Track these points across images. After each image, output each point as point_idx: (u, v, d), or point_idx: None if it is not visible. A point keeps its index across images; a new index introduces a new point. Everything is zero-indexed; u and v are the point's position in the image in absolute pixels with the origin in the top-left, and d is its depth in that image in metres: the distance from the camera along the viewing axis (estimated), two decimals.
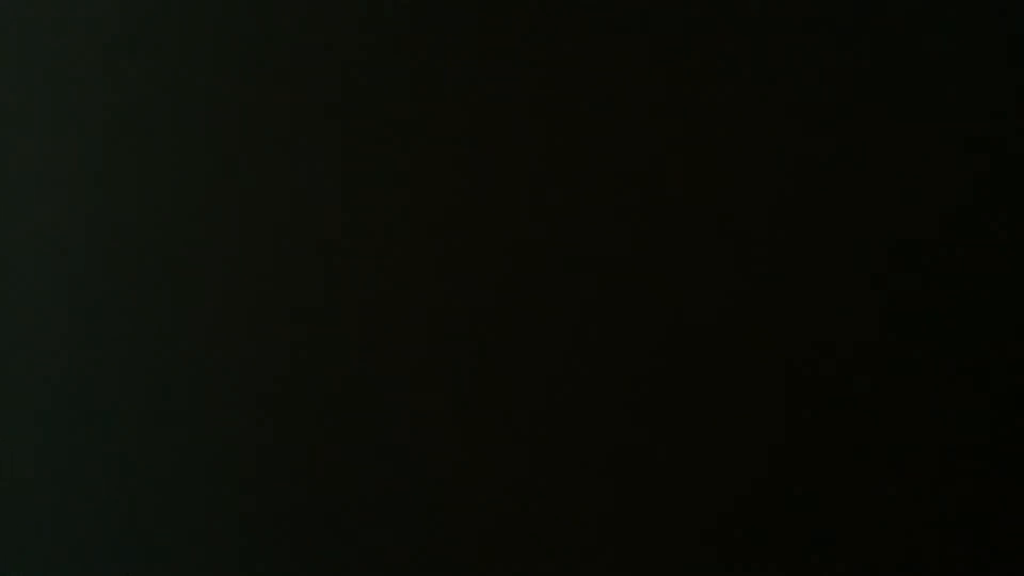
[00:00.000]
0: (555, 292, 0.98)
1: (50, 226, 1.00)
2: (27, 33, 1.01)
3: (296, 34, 0.99)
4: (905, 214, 0.96)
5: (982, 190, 0.96)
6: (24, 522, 0.99)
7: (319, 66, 0.99)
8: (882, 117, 0.96)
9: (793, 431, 0.96)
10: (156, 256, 0.99)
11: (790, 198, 0.97)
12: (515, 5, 0.98)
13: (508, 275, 0.98)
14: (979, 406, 0.95)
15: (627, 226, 0.97)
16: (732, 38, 0.97)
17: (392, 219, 0.98)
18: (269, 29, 1.00)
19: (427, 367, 0.98)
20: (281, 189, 0.99)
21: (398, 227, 0.98)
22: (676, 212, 0.97)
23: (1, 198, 1.00)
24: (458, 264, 0.98)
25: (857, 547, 0.95)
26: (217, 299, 0.99)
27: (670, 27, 0.98)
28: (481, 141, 0.98)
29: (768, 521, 0.96)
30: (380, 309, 0.98)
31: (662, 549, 0.96)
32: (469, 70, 0.98)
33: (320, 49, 0.99)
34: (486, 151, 0.98)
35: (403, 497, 0.98)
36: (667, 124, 0.97)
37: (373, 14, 0.99)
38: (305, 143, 0.99)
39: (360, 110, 0.99)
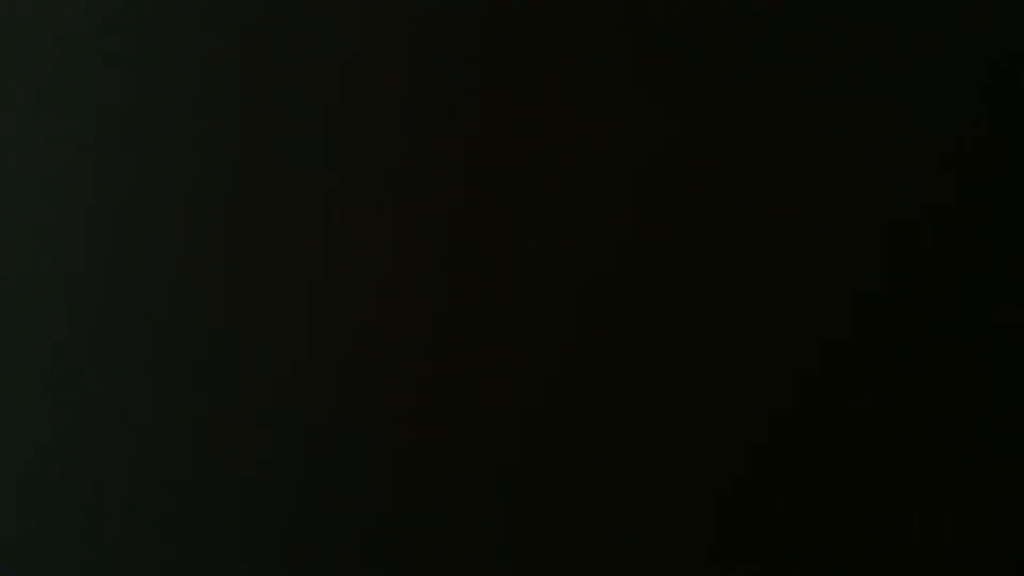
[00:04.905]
0: (553, 292, 0.98)
1: (50, 226, 1.00)
2: (27, 33, 1.01)
3: (295, 34, 0.99)
4: (902, 214, 0.96)
5: (981, 190, 0.96)
6: (24, 522, 0.99)
7: (318, 66, 0.99)
8: (880, 117, 0.96)
9: (792, 431, 0.96)
10: (156, 257, 0.99)
11: (788, 198, 0.97)
12: (515, 5, 0.98)
13: (507, 275, 0.98)
14: (978, 405, 0.95)
15: (626, 226, 0.97)
16: (729, 38, 0.97)
17: (392, 220, 0.98)
18: (269, 29, 1.00)
19: (427, 367, 0.98)
20: (281, 190, 0.99)
21: (398, 228, 0.98)
22: (674, 213, 0.97)
23: (1, 198, 1.00)
24: (458, 264, 0.98)
25: (855, 547, 0.95)
26: (217, 300, 0.99)
27: (668, 28, 0.98)
28: (480, 141, 0.98)
29: (765, 521, 0.96)
30: (380, 310, 0.98)
31: (660, 549, 0.96)
32: (469, 70, 0.98)
33: (319, 49, 0.99)
34: (485, 151, 0.98)
35: (403, 498, 0.98)
36: (665, 125, 0.97)
37: (372, 14, 0.99)
38: (305, 144, 0.99)
39: (359, 112, 0.99)
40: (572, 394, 0.97)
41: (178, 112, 1.00)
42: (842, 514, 0.95)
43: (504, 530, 0.97)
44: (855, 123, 0.96)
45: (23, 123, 1.00)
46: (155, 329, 0.99)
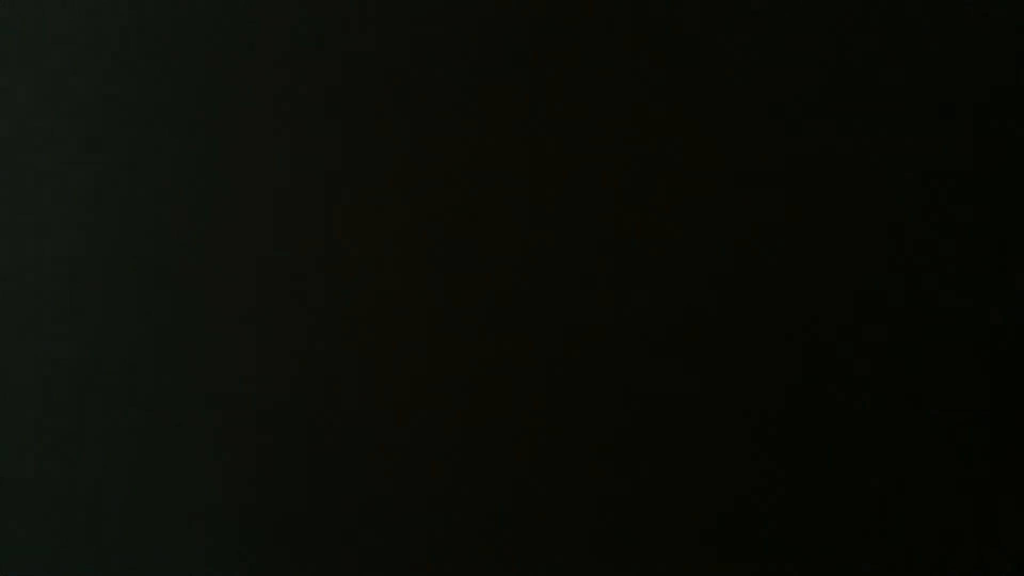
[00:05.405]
0: (553, 292, 0.98)
1: (50, 226, 1.00)
2: (27, 33, 1.01)
3: (295, 34, 0.99)
4: (902, 214, 0.96)
5: (981, 190, 0.96)
6: (24, 522, 0.99)
7: (319, 66, 0.99)
8: (879, 116, 0.96)
9: (792, 431, 0.96)
10: (156, 257, 0.99)
11: (787, 197, 0.97)
12: (515, 5, 0.98)
13: (507, 275, 0.98)
14: (978, 405, 0.95)
15: (626, 225, 0.97)
16: (729, 38, 0.97)
17: (392, 220, 0.98)
18: (269, 29, 1.00)
19: (427, 367, 0.98)
20: (281, 190, 0.99)
21: (398, 228, 0.98)
22: (674, 213, 0.97)
23: (1, 198, 1.00)
24: (458, 264, 0.98)
25: (855, 547, 0.95)
26: (218, 300, 0.99)
27: (668, 28, 0.98)
28: (480, 141, 0.98)
29: (765, 521, 0.96)
30: (380, 310, 0.98)
31: (660, 549, 0.96)
32: (469, 70, 0.98)
33: (320, 49, 0.99)
34: (485, 151, 0.98)
35: (403, 498, 0.98)
36: (665, 125, 0.97)
37: (372, 14, 0.99)
38: (305, 143, 0.99)
39: (360, 112, 0.99)
40: (572, 394, 0.97)
41: (178, 112, 1.00)
42: (842, 514, 0.95)
43: (504, 530, 0.97)
44: (855, 123, 0.96)
45: (23, 123, 1.00)
46: (155, 329, 0.99)
